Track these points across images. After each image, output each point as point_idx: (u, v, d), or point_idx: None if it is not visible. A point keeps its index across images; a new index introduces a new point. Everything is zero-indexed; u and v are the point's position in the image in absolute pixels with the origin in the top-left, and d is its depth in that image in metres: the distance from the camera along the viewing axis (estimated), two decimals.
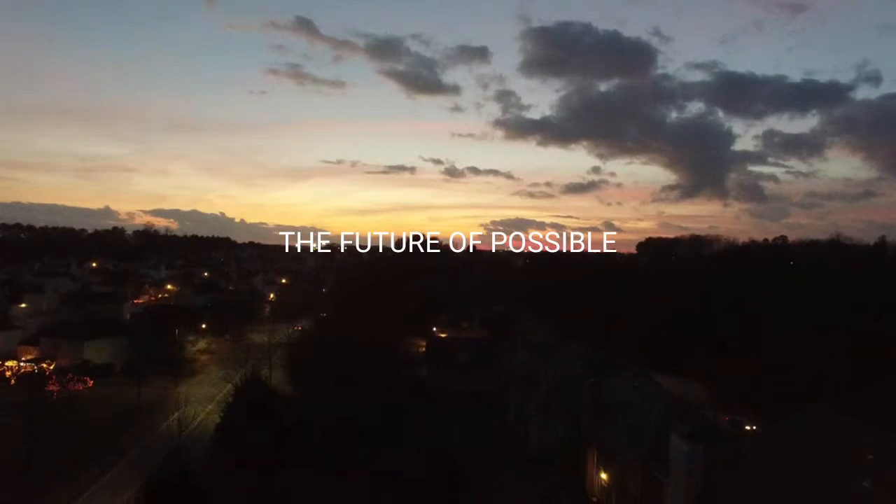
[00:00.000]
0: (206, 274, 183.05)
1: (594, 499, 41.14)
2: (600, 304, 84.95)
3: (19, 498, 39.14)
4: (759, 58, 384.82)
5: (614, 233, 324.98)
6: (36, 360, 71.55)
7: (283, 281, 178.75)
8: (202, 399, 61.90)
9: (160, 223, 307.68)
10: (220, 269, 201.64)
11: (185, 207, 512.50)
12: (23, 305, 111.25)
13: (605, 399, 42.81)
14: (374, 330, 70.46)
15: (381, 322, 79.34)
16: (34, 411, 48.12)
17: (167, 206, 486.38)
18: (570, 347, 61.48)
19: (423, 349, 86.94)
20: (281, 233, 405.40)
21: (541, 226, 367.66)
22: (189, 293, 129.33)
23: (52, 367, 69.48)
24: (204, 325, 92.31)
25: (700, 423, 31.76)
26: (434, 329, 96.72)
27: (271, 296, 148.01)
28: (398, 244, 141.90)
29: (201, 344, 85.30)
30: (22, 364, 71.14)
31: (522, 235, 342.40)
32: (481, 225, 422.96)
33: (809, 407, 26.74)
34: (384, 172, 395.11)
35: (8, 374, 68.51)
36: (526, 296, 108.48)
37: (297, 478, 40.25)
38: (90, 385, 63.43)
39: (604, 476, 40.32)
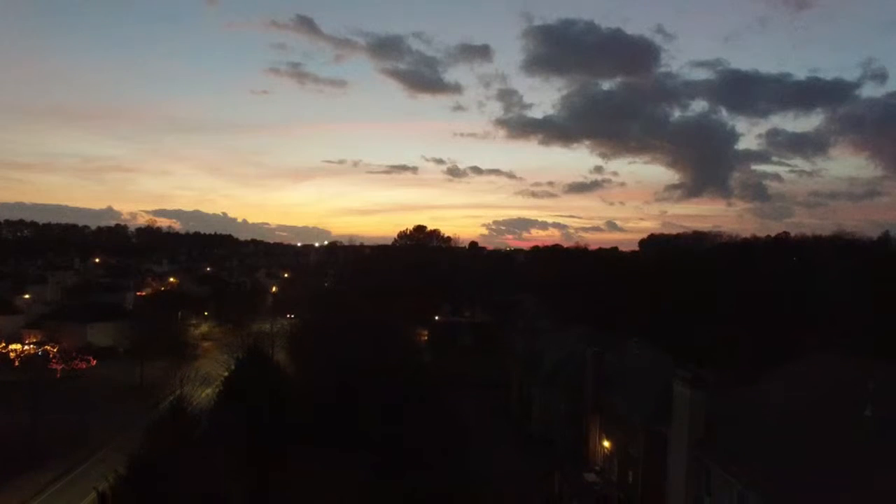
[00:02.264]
0: (208, 269, 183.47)
1: (596, 468, 41.20)
2: (602, 291, 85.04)
3: (27, 461, 39.81)
4: (764, 55, 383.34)
5: (617, 232, 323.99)
6: (39, 343, 71.82)
7: (286, 275, 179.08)
8: (205, 378, 61.97)
9: (163, 223, 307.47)
10: (222, 263, 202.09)
11: (188, 207, 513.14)
12: (26, 296, 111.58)
13: (609, 368, 42.94)
14: (375, 316, 70.60)
15: (383, 309, 79.47)
16: (37, 386, 48.84)
17: (170, 206, 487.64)
18: (572, 328, 61.48)
19: (426, 338, 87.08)
20: (283, 233, 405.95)
21: (543, 225, 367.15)
22: (191, 284, 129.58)
23: (55, 350, 69.74)
24: (206, 313, 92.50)
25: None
26: (436, 318, 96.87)
27: (273, 288, 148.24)
28: (401, 236, 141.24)
29: (203, 328, 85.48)
30: (25, 347, 71.41)
31: (523, 235, 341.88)
32: (483, 225, 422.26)
33: (814, 353, 26.77)
34: (386, 172, 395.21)
35: (12, 355, 68.81)
36: (527, 284, 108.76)
37: (298, 445, 40.55)
38: (93, 364, 63.72)
39: (606, 444, 40.41)
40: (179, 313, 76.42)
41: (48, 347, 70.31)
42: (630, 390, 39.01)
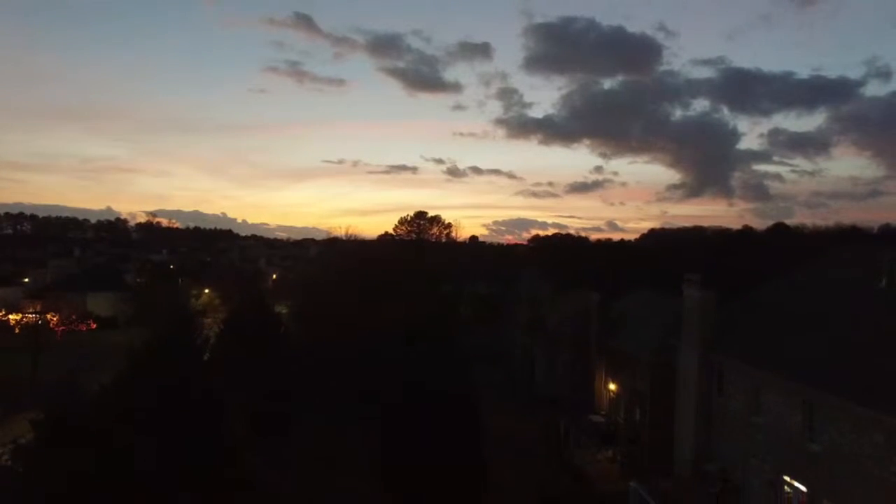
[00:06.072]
0: (208, 259, 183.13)
1: (602, 412, 40.96)
2: (603, 263, 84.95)
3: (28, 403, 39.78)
4: (767, 53, 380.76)
5: (617, 232, 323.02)
6: (39, 313, 71.44)
7: (286, 265, 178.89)
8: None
9: (163, 222, 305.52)
10: (223, 254, 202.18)
11: (187, 208, 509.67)
12: (25, 280, 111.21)
13: (613, 315, 42.76)
14: (376, 296, 70.30)
15: (383, 285, 79.10)
16: (37, 345, 49.02)
17: (169, 206, 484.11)
18: (574, 292, 61.22)
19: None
20: (282, 233, 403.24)
21: (543, 226, 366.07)
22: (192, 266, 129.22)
23: (55, 319, 69.39)
24: (207, 290, 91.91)
25: None
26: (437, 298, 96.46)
27: (273, 276, 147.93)
28: (401, 222, 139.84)
29: (204, 297, 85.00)
30: (26, 316, 71.04)
31: (523, 235, 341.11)
32: (483, 225, 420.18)
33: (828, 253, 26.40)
34: (385, 172, 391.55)
35: (12, 323, 68.62)
36: (528, 263, 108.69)
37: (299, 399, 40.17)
38: (94, 327, 63.41)
39: (612, 387, 40.20)
40: (180, 280, 75.95)
41: (48, 316, 69.97)
42: (635, 330, 38.84)
